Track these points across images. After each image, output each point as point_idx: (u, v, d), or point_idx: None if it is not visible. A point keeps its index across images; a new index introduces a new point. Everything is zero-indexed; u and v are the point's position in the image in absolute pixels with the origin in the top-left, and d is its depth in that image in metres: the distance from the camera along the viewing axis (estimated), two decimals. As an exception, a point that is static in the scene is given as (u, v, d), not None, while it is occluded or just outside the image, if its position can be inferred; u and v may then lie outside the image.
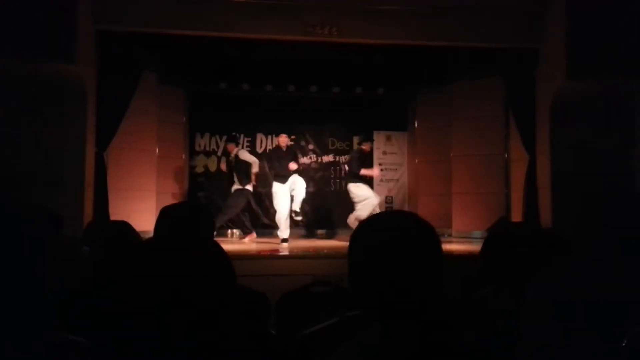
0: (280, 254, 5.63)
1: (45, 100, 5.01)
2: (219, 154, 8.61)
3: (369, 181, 7.09)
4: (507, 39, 5.87)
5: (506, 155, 6.94)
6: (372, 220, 1.12)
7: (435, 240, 1.04)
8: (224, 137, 8.67)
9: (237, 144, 7.48)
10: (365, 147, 7.12)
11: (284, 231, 6.65)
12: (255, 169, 7.06)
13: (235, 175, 6.99)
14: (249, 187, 6.98)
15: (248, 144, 8.80)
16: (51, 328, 1.00)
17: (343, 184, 8.95)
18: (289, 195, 6.65)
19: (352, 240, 1.08)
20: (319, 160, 8.95)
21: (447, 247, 5.88)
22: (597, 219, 1.67)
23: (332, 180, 8.91)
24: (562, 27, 5.43)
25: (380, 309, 0.99)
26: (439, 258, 1.03)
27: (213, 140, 8.62)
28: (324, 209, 8.52)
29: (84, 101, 5.18)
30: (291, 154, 6.89)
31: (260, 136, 8.83)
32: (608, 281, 1.03)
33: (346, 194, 7.14)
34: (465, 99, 7.29)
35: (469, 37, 5.83)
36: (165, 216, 1.81)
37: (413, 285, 0.98)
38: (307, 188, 7.09)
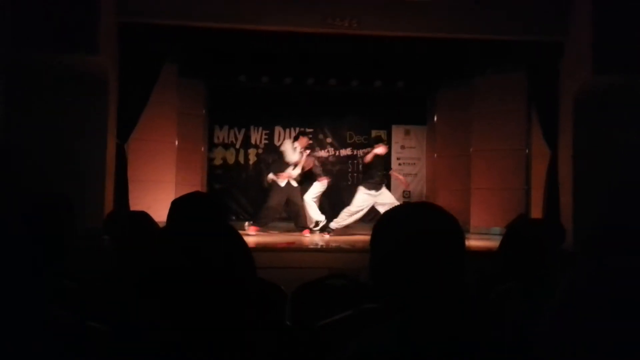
0: (296, 246, 5.65)
1: (68, 92, 5.09)
2: (237, 146, 8.67)
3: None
4: (530, 32, 5.76)
5: (527, 151, 6.83)
6: (395, 211, 1.11)
7: (459, 233, 1.03)
8: (243, 130, 8.73)
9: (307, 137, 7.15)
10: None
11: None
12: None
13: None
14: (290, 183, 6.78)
15: (266, 136, 8.84)
16: (68, 313, 1.02)
17: (361, 178, 8.94)
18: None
19: (375, 231, 1.07)
20: (337, 153, 8.95)
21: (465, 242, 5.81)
22: (620, 217, 1.64)
23: (350, 174, 8.90)
24: (588, 20, 5.30)
25: (402, 301, 0.99)
26: (463, 251, 1.02)
27: (232, 132, 8.69)
28: (341, 202, 8.52)
29: (105, 93, 5.25)
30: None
31: (278, 129, 8.85)
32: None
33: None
34: (486, 93, 7.18)
35: (491, 29, 5.73)
36: (177, 207, 1.82)
37: (436, 277, 0.98)
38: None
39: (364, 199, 6.56)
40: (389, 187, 8.95)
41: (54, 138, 5.02)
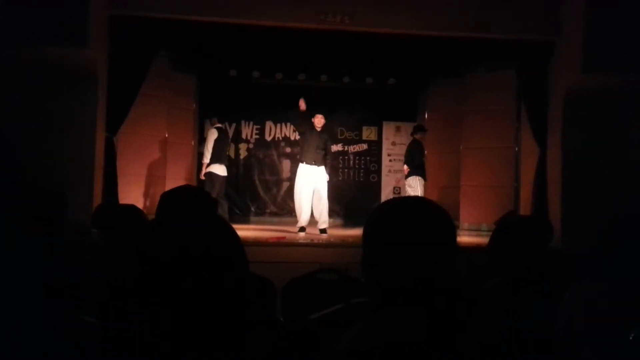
0: (287, 241, 5.65)
1: (57, 84, 5.04)
2: (228, 141, 8.63)
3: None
4: (521, 31, 5.79)
5: (517, 149, 6.88)
6: (388, 205, 1.11)
7: (451, 227, 1.04)
8: (234, 125, 8.70)
9: (212, 123, 6.88)
10: (419, 137, 7.03)
11: (300, 218, 6.27)
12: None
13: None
14: (214, 170, 6.48)
15: (257, 131, 8.82)
16: (59, 306, 1.02)
17: (352, 174, 8.97)
18: (312, 181, 6.25)
19: (368, 225, 1.07)
20: (328, 149, 8.95)
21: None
22: (607, 215, 1.67)
23: (340, 170, 8.91)
24: (579, 20, 5.35)
25: (393, 295, 0.99)
26: (454, 245, 1.03)
27: (223, 126, 8.64)
28: (330, 198, 8.54)
29: (95, 85, 5.20)
30: (327, 135, 6.47)
31: (269, 124, 8.84)
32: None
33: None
34: (477, 91, 7.22)
35: (482, 28, 5.76)
36: (167, 200, 1.81)
37: (427, 272, 0.99)
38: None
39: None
40: (379, 183, 9.00)
41: (43, 131, 4.97)
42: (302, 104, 6.36)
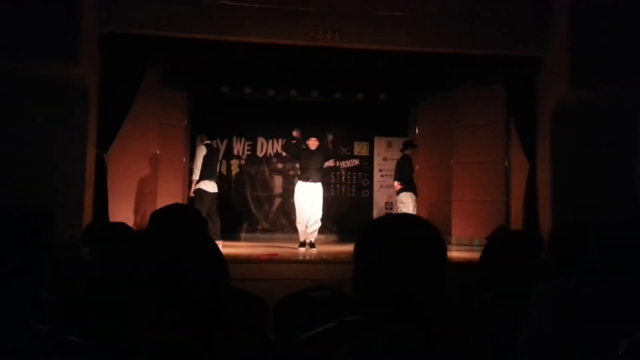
0: (279, 258, 5.61)
1: (48, 101, 5.02)
2: (220, 157, 8.61)
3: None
4: (509, 47, 5.89)
5: (507, 163, 6.94)
6: (379, 222, 1.12)
7: (441, 244, 1.05)
8: (225, 141, 8.70)
9: (201, 140, 6.83)
10: (408, 152, 7.14)
11: (301, 235, 6.47)
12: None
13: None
14: (204, 187, 6.42)
15: (249, 147, 8.82)
16: (47, 327, 1.00)
17: (343, 189, 8.97)
18: (310, 197, 6.41)
19: (359, 242, 1.08)
20: (320, 165, 8.95)
21: (446, 254, 5.81)
22: (597, 226, 1.68)
23: (332, 186, 8.92)
24: (565, 36, 5.44)
25: (384, 312, 0.99)
26: (444, 262, 1.03)
27: (214, 143, 8.62)
28: (323, 213, 8.51)
29: (86, 102, 5.19)
30: (322, 154, 6.63)
31: (261, 140, 8.84)
32: (601, 300, 1.12)
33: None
34: (466, 106, 7.30)
35: (471, 44, 5.85)
36: (156, 219, 1.80)
37: (418, 288, 0.99)
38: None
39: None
40: (371, 198, 9.01)
41: (33, 147, 4.94)
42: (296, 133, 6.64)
